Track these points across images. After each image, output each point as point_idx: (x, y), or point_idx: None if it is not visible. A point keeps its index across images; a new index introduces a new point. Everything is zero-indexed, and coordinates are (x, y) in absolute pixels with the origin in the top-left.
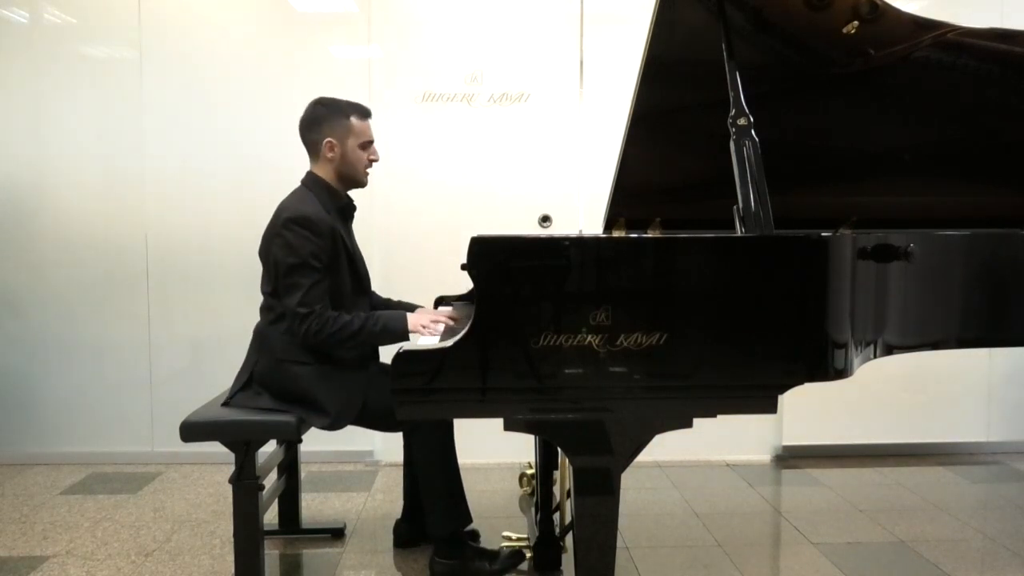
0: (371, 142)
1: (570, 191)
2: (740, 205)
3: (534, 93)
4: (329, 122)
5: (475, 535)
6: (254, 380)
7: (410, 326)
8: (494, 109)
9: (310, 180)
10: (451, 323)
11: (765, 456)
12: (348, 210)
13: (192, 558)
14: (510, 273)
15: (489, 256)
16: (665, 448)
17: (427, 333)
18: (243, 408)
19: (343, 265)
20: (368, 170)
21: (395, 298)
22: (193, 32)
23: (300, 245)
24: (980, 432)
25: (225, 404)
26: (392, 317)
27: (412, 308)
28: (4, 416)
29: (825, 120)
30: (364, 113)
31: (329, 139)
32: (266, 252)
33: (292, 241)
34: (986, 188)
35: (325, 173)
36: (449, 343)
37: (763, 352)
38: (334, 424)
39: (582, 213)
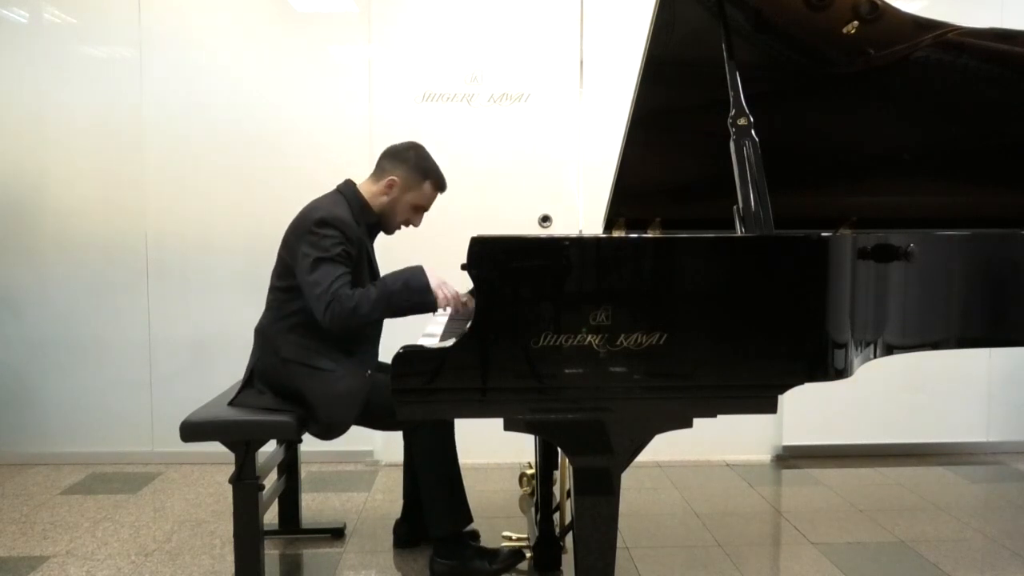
0: (425, 209)
1: (570, 191)
2: (740, 205)
3: (534, 93)
4: (408, 168)
5: (475, 535)
6: (255, 378)
7: (434, 286)
8: (494, 109)
9: (348, 189)
10: (467, 305)
11: (765, 456)
12: (374, 229)
13: (192, 558)
14: (510, 273)
15: (489, 256)
16: (665, 448)
17: (443, 302)
18: (243, 408)
19: (365, 276)
20: (402, 227)
21: None
22: (193, 32)
23: (331, 244)
24: (980, 432)
25: (231, 403)
26: (409, 271)
27: None
28: (4, 416)
29: (825, 120)
30: (441, 186)
31: (394, 178)
32: (290, 247)
33: (323, 239)
34: (986, 188)
35: (368, 195)
36: (449, 343)
37: (763, 352)
38: (324, 435)
39: (582, 213)
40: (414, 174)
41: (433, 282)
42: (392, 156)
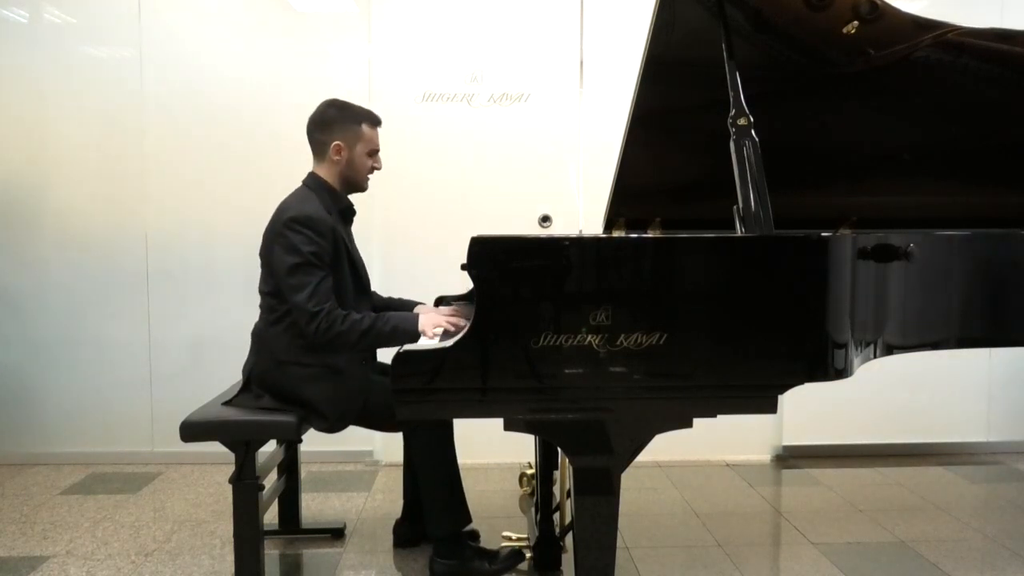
0: (377, 150)
1: (570, 191)
2: (740, 205)
3: (534, 93)
4: (340, 125)
5: (475, 535)
6: (252, 382)
7: (420, 327)
8: (494, 109)
9: (312, 181)
10: (461, 324)
11: (765, 456)
12: (348, 212)
13: (192, 558)
14: (510, 273)
15: (489, 256)
16: (665, 448)
17: (433, 334)
18: (243, 408)
19: (344, 266)
20: (370, 176)
21: (395, 297)
22: (193, 31)
23: (302, 244)
24: (980, 432)
25: (227, 404)
26: (403, 318)
27: (412, 305)
28: (4, 416)
29: (825, 120)
30: (375, 121)
31: (338, 142)
32: (267, 252)
33: (294, 240)
34: (986, 188)
35: (328, 175)
36: (449, 343)
37: (763, 352)
38: (332, 428)
39: (582, 213)
40: (348, 126)
41: (422, 325)
42: (318, 126)
